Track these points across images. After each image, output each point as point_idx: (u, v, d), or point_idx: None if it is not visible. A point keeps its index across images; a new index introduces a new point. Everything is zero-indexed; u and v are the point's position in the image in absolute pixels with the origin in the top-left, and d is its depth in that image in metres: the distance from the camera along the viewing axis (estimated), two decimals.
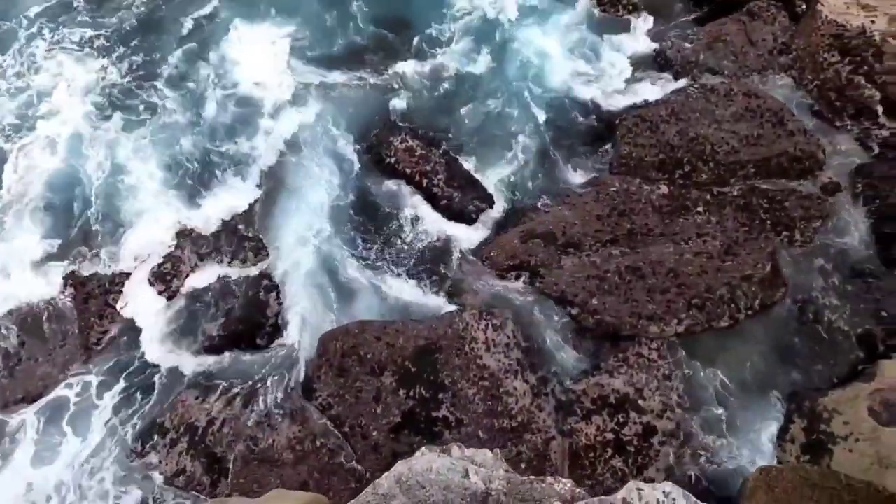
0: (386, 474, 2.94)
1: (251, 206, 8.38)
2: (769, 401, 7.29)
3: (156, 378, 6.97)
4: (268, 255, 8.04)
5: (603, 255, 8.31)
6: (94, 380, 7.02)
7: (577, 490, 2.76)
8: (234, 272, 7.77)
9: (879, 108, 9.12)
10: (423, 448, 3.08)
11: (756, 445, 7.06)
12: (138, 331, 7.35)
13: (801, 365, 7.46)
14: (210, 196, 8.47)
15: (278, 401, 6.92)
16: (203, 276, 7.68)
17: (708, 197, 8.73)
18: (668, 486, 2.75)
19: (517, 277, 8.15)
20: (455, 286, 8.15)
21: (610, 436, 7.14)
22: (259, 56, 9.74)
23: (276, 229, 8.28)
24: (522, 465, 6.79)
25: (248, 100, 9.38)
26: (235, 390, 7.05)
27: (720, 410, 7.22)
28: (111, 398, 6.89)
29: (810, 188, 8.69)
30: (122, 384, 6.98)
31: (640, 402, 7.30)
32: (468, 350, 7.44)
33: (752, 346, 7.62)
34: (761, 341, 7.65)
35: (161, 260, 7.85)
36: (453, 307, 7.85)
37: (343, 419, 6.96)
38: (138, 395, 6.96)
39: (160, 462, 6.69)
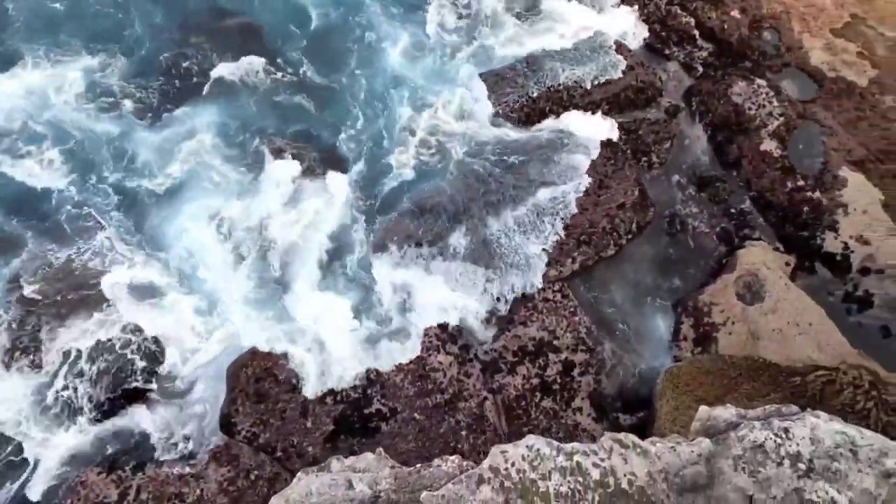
0: None
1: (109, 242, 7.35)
2: (661, 310, 8.13)
3: (38, 469, 5.98)
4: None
5: (493, 217, 8.55)
6: None
7: (464, 463, 2.85)
8: (102, 331, 6.77)
9: (696, 33, 10.24)
10: (299, 473, 2.94)
11: (659, 350, 7.87)
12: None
13: (679, 272, 8.38)
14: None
15: (197, 448, 6.32)
16: (67, 341, 6.64)
17: (574, 138, 9.29)
18: (530, 439, 2.92)
19: (418, 255, 8.12)
20: (358, 280, 7.94)
21: (535, 381, 7.53)
22: None
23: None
24: (463, 433, 6.96)
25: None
26: (142, 451, 6.31)
27: (623, 328, 7.92)
28: None
29: (656, 114, 9.60)
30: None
31: (555, 342, 7.76)
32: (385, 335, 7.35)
33: (638, 265, 8.39)
34: (644, 259, 8.45)
35: (14, 333, 6.69)
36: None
37: (273, 444, 6.58)
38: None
39: None
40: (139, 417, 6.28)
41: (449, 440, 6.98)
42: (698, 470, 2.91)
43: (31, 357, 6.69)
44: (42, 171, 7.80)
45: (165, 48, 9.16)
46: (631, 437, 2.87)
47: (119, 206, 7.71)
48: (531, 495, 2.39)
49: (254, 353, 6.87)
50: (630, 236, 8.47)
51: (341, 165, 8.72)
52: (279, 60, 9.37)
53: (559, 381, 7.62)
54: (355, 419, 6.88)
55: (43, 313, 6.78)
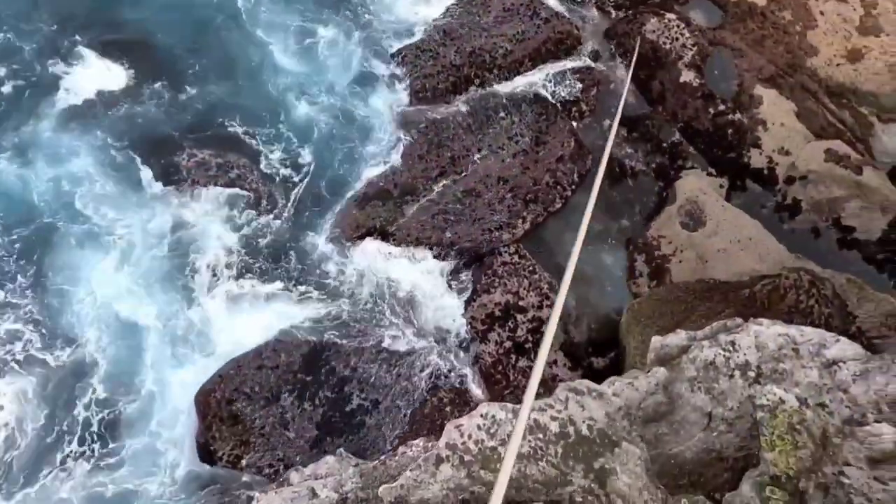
0: None
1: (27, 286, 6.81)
2: (614, 252, 8.38)
3: None
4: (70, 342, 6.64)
5: (438, 190, 8.52)
6: None
7: (430, 444, 2.89)
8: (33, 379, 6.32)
9: None
10: (256, 494, 2.89)
11: (619, 291, 8.15)
12: None
13: (625, 212, 8.63)
14: None
15: (176, 493, 6.11)
16: None
17: (504, 101, 9.30)
18: (483, 407, 2.97)
19: (369, 245, 8.02)
20: (317, 278, 7.78)
21: (508, 344, 7.68)
22: None
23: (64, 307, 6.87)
24: (447, 409, 7.05)
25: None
26: None
27: (580, 276, 8.14)
28: None
29: (579, 62, 9.70)
30: None
31: (520, 303, 7.90)
32: (354, 333, 7.29)
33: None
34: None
35: None
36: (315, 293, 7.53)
37: (260, 462, 6.47)
38: None
39: None
40: (109, 469, 5.99)
41: (435, 419, 7.05)
42: (658, 399, 3.05)
43: None
44: None
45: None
46: (585, 383, 2.97)
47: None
48: (494, 463, 2.44)
49: (220, 376, 6.67)
50: (574, 187, 8.63)
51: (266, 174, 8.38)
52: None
53: (531, 339, 7.79)
54: (338, 419, 6.84)
55: None
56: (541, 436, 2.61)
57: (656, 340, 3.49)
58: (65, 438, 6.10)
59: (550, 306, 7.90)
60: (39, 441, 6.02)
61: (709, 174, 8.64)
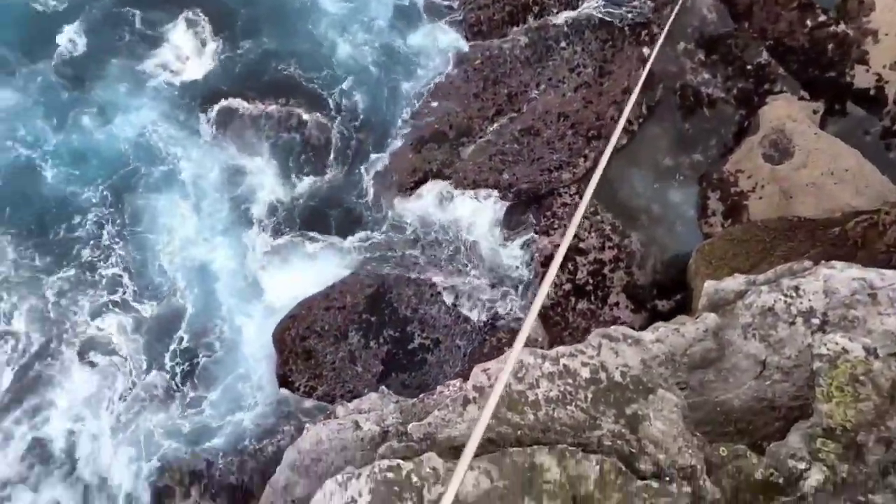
0: (279, 467, 2.97)
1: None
2: (685, 189, 7.85)
3: None
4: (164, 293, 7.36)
5: (495, 129, 8.28)
6: None
7: (466, 384, 2.94)
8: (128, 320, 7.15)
9: None
10: (307, 425, 3.11)
11: (688, 231, 7.70)
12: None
13: (699, 145, 7.96)
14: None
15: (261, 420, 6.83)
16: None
17: (566, 29, 8.64)
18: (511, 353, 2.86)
19: (426, 189, 8.06)
20: (376, 223, 8.02)
21: (568, 286, 7.60)
22: None
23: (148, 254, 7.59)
24: (505, 349, 7.23)
25: None
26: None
27: (648, 216, 7.75)
28: None
29: None
30: None
31: (580, 245, 7.71)
32: (414, 276, 7.53)
33: (654, 148, 8.02)
34: (660, 140, 8.06)
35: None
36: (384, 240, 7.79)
37: (332, 393, 7.08)
38: None
39: None
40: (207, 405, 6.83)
41: (493, 358, 7.26)
42: (706, 345, 2.93)
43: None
44: None
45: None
46: (620, 329, 2.90)
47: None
48: (520, 405, 2.49)
49: (293, 316, 7.24)
50: (641, 120, 8.03)
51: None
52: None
53: (591, 281, 7.65)
54: (402, 357, 7.25)
55: None
56: (570, 381, 2.63)
57: (710, 285, 3.29)
58: (161, 375, 7.02)
59: (613, 247, 7.65)
60: (140, 377, 6.97)
61: (801, 98, 7.66)
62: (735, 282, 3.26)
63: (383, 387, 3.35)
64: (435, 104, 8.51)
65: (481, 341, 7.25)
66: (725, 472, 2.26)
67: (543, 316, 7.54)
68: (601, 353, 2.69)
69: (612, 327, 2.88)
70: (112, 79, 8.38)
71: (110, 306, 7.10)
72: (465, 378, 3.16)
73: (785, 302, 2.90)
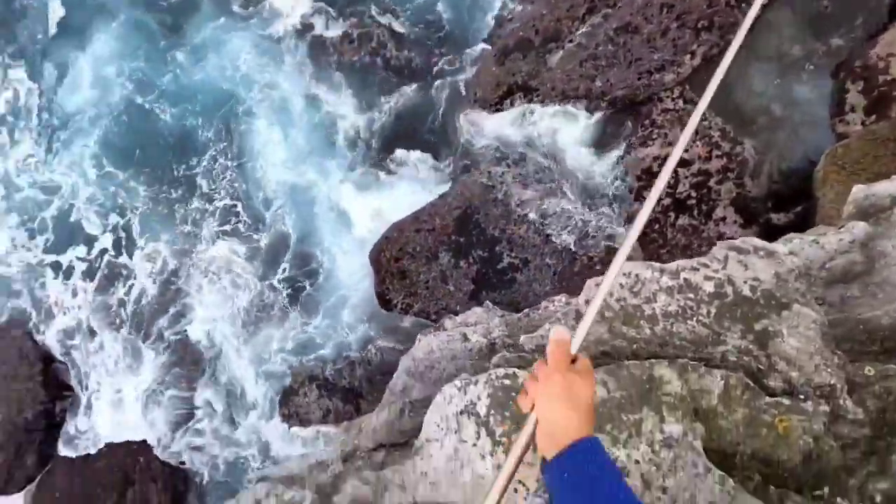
0: (395, 374, 3.15)
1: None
2: (816, 82, 6.72)
3: None
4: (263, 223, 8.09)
5: (586, 31, 7.51)
6: None
7: (570, 300, 2.83)
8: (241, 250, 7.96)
9: None
10: (418, 335, 3.22)
11: (816, 132, 6.70)
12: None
13: (838, 28, 6.65)
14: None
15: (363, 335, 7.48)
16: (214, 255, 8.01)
17: None
18: (626, 266, 2.66)
19: (512, 104, 7.69)
20: (461, 142, 7.90)
21: (667, 201, 7.08)
22: None
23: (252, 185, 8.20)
24: (597, 268, 7.06)
25: None
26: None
27: (767, 118, 6.81)
28: None
29: None
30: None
31: (683, 155, 7.05)
32: (501, 197, 7.43)
33: (779, 35, 6.85)
34: (787, 26, 6.84)
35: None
36: (466, 166, 7.71)
37: (427, 310, 7.49)
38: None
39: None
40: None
41: (585, 277, 7.16)
42: (851, 258, 2.59)
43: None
44: None
45: None
46: (750, 241, 2.62)
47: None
48: (636, 320, 2.42)
49: (387, 238, 7.58)
50: (765, 1, 6.81)
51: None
52: None
53: (694, 195, 7.06)
54: (492, 276, 7.39)
55: None
56: (691, 295, 2.48)
57: (859, 190, 2.84)
58: (274, 293, 7.84)
59: (721, 156, 6.90)
60: (257, 295, 7.85)
61: None
62: (891, 185, 2.77)
63: (488, 301, 3.45)
64: (519, 8, 7.87)
65: (571, 260, 7.14)
66: (871, 392, 2.08)
67: (640, 235, 7.17)
68: (727, 266, 2.48)
69: (741, 238, 2.64)
70: (202, 18, 8.70)
71: (228, 233, 7.95)
72: (569, 293, 3.14)
73: None
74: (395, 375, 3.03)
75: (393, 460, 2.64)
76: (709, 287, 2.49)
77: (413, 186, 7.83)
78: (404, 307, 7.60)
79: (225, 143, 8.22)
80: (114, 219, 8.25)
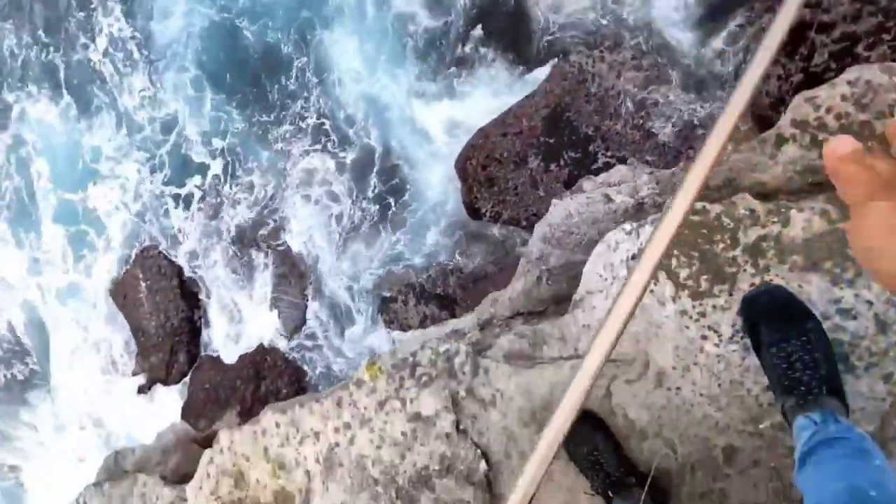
0: (530, 240, 2.97)
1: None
2: None
3: None
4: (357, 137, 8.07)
5: None
6: None
7: (781, 120, 2.33)
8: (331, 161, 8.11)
9: None
10: (553, 200, 2.96)
11: None
12: None
13: None
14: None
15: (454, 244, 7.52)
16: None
17: None
18: (850, 72, 2.08)
19: None
20: (546, 30, 7.19)
21: (798, 77, 6.03)
22: None
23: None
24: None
25: None
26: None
27: None
28: None
29: None
30: None
31: (822, 17, 5.85)
32: (594, 90, 6.77)
33: None
34: None
35: None
36: (551, 60, 7.06)
37: (516, 217, 7.31)
38: None
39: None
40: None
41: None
42: None
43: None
44: None
45: None
46: None
47: None
48: (864, 142, 2.00)
49: (472, 146, 7.33)
50: None
51: None
52: None
53: (834, 67, 5.92)
54: (585, 178, 6.95)
55: None
56: None
57: None
58: (366, 208, 8.04)
59: (874, 13, 5.62)
60: (349, 210, 8.10)
61: None
62: None
63: (632, 159, 3.08)
64: None
65: (675, 155, 6.47)
66: None
67: (757, 117, 6.25)
68: None
69: None
70: None
71: (319, 151, 8.15)
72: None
73: None
74: (529, 242, 2.89)
75: (542, 319, 2.59)
76: None
77: (496, 88, 7.38)
78: (494, 215, 7.47)
79: (305, 58, 8.20)
80: (218, 144, 8.77)
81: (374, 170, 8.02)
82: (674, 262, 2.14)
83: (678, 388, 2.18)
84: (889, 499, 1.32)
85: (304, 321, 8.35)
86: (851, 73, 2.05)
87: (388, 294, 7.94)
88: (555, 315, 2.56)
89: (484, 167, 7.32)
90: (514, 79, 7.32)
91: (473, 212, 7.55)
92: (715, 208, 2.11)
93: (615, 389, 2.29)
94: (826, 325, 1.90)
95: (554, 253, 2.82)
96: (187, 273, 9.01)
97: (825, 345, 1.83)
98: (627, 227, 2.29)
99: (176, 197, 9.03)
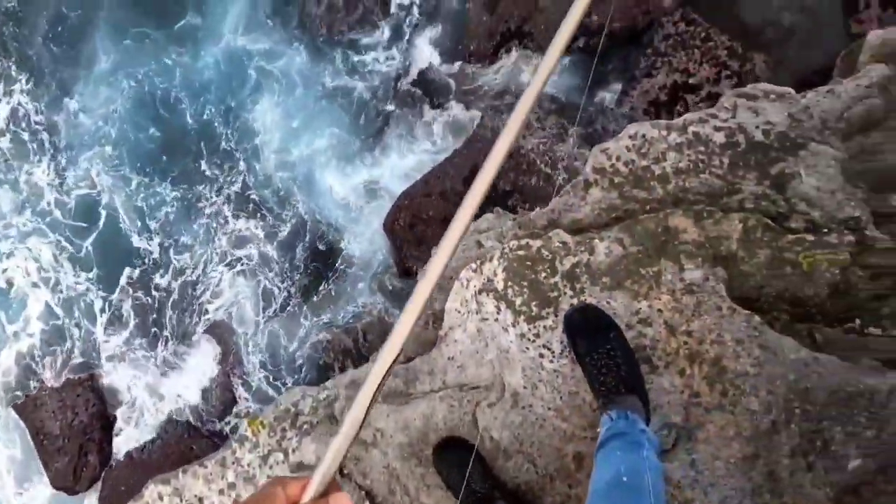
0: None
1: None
2: None
3: None
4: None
5: None
6: None
7: (584, 168, 2.74)
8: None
9: None
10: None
11: (831, 37, 6.35)
12: None
13: None
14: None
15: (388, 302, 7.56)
16: None
17: None
18: (631, 128, 2.57)
19: (507, 51, 7.56)
20: (460, 99, 7.83)
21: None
22: None
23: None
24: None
25: None
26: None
27: (772, 28, 6.49)
28: None
29: None
30: None
31: (690, 80, 6.80)
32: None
33: None
34: None
35: None
36: (474, 116, 7.65)
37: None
38: None
39: None
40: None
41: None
42: (872, 103, 2.44)
43: None
44: None
45: None
46: (760, 86, 2.50)
47: None
48: (647, 181, 2.34)
49: (398, 207, 7.59)
50: None
51: None
52: None
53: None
54: None
55: None
56: (702, 148, 2.40)
57: (874, 35, 2.65)
58: (300, 274, 7.99)
59: (731, 76, 6.61)
60: (283, 278, 8.00)
61: None
62: None
63: (497, 207, 3.36)
64: None
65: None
66: None
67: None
68: (737, 114, 2.38)
69: (749, 85, 2.53)
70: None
71: (245, 221, 8.12)
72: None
73: None
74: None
75: (415, 357, 2.66)
76: (719, 138, 2.40)
77: (417, 148, 7.82)
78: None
79: (230, 131, 8.36)
80: (141, 223, 8.53)
81: (304, 239, 8.06)
82: (510, 291, 2.45)
83: (531, 406, 2.38)
84: (638, 482, 1.62)
85: (234, 401, 7.82)
86: (631, 129, 2.55)
87: (323, 361, 7.69)
88: (424, 352, 2.68)
89: (411, 226, 7.54)
90: (435, 142, 7.81)
91: (405, 271, 7.65)
92: (536, 243, 2.47)
93: (479, 415, 2.47)
94: (630, 333, 2.21)
95: (438, 298, 2.96)
96: (103, 363, 8.31)
97: (626, 351, 2.12)
98: (473, 265, 2.58)
99: (96, 279, 8.52)
